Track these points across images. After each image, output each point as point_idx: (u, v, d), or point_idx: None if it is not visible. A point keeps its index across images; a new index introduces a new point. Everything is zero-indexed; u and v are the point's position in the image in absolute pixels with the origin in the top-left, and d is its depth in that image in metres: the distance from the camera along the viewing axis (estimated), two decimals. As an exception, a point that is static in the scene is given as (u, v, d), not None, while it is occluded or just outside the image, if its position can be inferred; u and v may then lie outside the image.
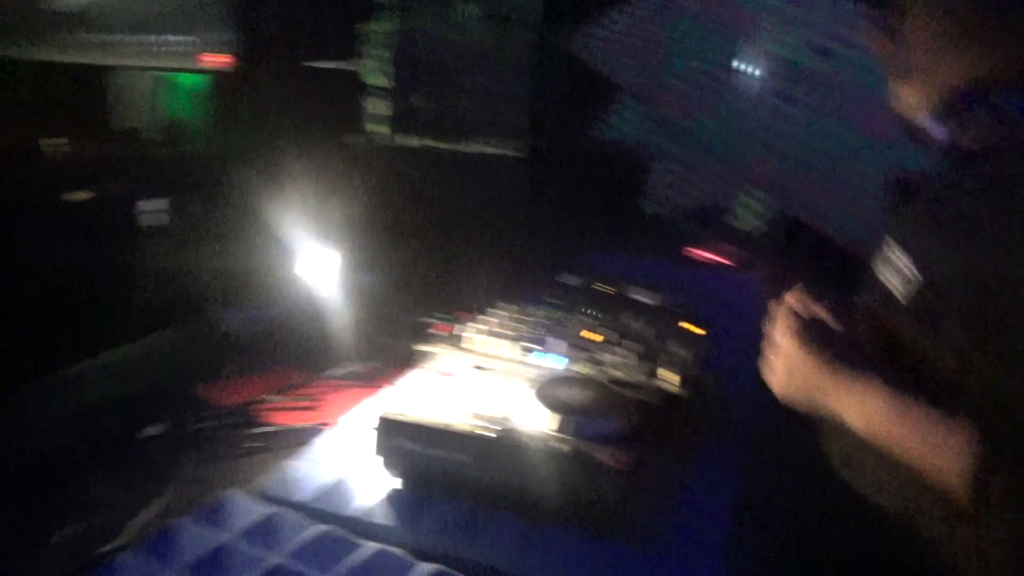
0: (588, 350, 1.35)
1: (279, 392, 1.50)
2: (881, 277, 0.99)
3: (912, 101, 0.94)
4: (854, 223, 3.70)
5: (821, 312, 1.02)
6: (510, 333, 1.39)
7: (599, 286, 1.80)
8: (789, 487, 1.32)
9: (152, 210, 2.10)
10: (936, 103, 0.90)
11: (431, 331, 1.51)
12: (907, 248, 0.96)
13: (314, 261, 1.84)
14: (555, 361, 1.29)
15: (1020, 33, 0.84)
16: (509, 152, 5.58)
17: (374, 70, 5.73)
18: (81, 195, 2.13)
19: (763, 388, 1.11)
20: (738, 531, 1.10)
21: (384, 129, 5.87)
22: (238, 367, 1.61)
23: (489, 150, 5.81)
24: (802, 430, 1.10)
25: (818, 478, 1.22)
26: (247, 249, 2.20)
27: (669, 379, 1.22)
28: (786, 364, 0.97)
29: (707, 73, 3.99)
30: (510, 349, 1.31)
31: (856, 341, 0.97)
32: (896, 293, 0.95)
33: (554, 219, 3.63)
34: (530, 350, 1.32)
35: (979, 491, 0.80)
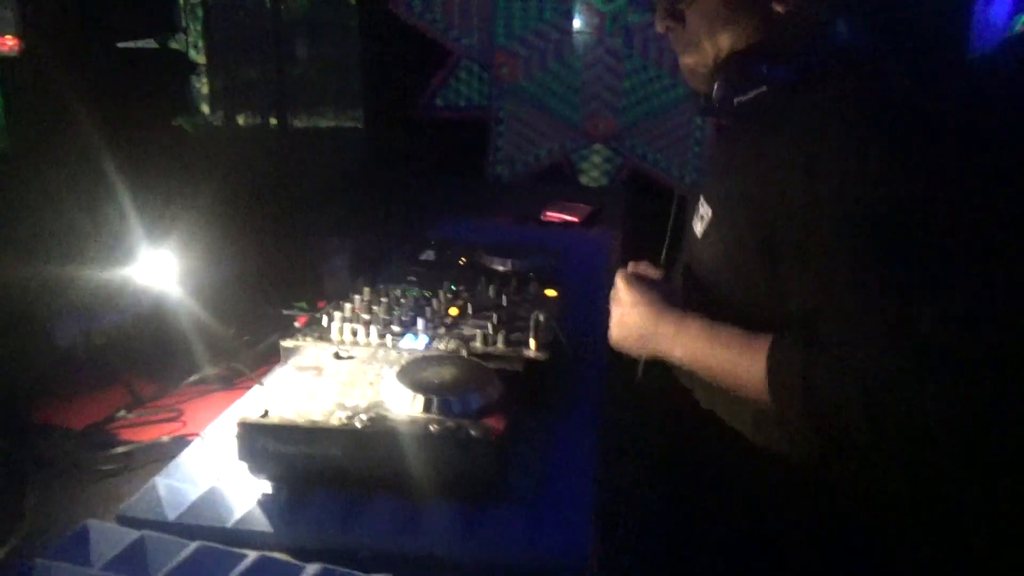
0: (447, 326, 1.38)
1: (134, 407, 1.43)
2: (693, 222, 1.23)
3: (691, 69, 1.19)
4: (679, 171, 3.93)
5: (642, 270, 1.30)
6: (369, 318, 1.40)
7: (454, 259, 1.83)
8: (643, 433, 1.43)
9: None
10: (708, 70, 1.15)
11: (292, 324, 1.49)
12: (703, 190, 1.23)
13: (154, 258, 1.74)
14: (416, 341, 1.31)
15: (762, 16, 1.09)
16: (346, 124, 5.45)
17: (194, 46, 5.39)
18: None
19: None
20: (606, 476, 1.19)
21: (212, 107, 5.55)
22: (79, 383, 1.51)
23: (325, 123, 5.64)
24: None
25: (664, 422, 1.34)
26: (75, 250, 2.05)
27: (527, 345, 1.27)
28: (618, 318, 1.22)
29: (538, 34, 4.06)
30: (372, 334, 1.32)
31: (671, 290, 1.23)
32: (700, 233, 1.20)
33: (400, 189, 3.61)
34: (391, 333, 1.33)
35: (791, 389, 0.95)
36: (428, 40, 4.09)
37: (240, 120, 5.48)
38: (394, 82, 4.26)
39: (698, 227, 1.20)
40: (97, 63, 4.72)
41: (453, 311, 1.45)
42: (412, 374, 1.10)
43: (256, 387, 1.22)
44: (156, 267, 1.67)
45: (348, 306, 1.45)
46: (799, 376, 0.94)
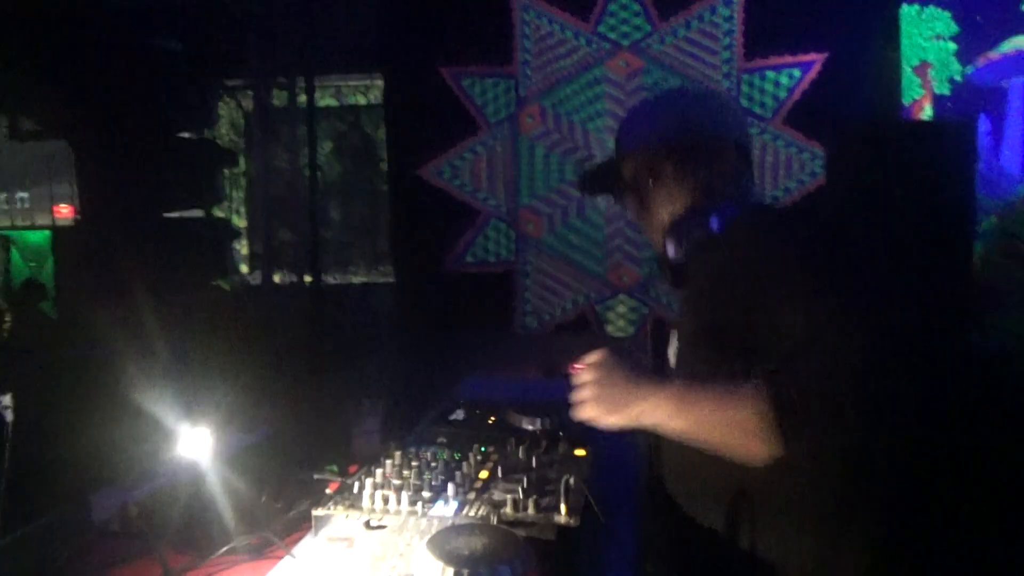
0: (478, 490, 1.38)
1: (165, 579, 1.42)
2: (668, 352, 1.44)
3: (649, 236, 1.49)
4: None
5: (612, 356, 1.35)
6: (400, 483, 1.41)
7: (484, 418, 1.85)
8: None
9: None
10: (655, 229, 1.43)
11: (323, 490, 1.50)
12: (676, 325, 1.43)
13: (190, 428, 1.78)
14: (447, 507, 1.31)
15: (687, 187, 1.38)
16: (378, 280, 5.63)
17: (234, 211, 5.70)
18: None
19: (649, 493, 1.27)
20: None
21: (250, 267, 5.78)
22: (114, 556, 1.52)
23: (357, 279, 5.84)
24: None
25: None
26: (111, 422, 2.10)
27: (558, 510, 1.27)
28: (594, 389, 1.27)
29: (560, 193, 4.27)
30: (402, 501, 1.32)
31: (642, 366, 1.34)
32: (672, 362, 1.41)
33: (428, 344, 3.68)
34: (422, 499, 1.34)
35: (766, 429, 1.07)
36: (455, 200, 4.31)
37: (276, 278, 5.70)
38: (422, 239, 4.45)
39: (672, 357, 1.40)
40: (145, 231, 5.01)
41: (483, 474, 1.45)
42: (442, 545, 1.09)
43: (287, 559, 1.22)
44: (191, 436, 1.71)
45: (379, 471, 1.46)
46: (790, 381, 1.06)
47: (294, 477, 1.77)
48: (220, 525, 1.56)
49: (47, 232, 6.34)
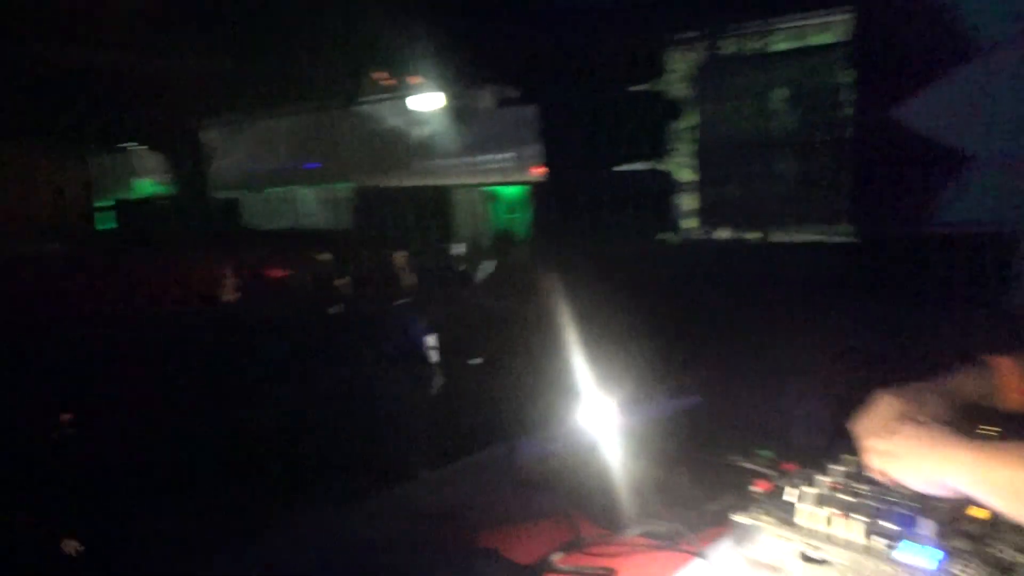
0: (971, 535, 0.97)
1: (567, 548, 1.33)
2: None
3: None
4: None
5: (899, 403, 1.14)
6: (851, 501, 1.06)
7: (981, 428, 1.36)
8: None
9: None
10: None
11: (748, 486, 1.23)
12: None
13: (613, 384, 1.66)
14: (921, 553, 0.94)
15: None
16: (832, 239, 5.04)
17: (681, 166, 5.64)
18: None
19: None
20: None
21: (697, 222, 5.69)
22: (524, 508, 1.48)
23: (808, 238, 5.31)
24: None
25: None
26: (549, 369, 2.11)
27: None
28: (889, 453, 1.07)
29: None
30: (853, 529, 0.99)
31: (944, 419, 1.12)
32: None
33: (892, 316, 3.10)
34: (882, 532, 0.98)
35: None
36: (935, 147, 3.55)
37: (720, 234, 5.51)
38: (890, 194, 3.80)
39: None
40: (598, 185, 5.25)
41: (978, 512, 1.03)
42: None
43: (698, 560, 1.00)
44: (612, 396, 1.59)
45: (824, 480, 1.13)
46: None
47: (717, 459, 1.53)
48: (637, 501, 1.41)
49: (523, 187, 7.13)
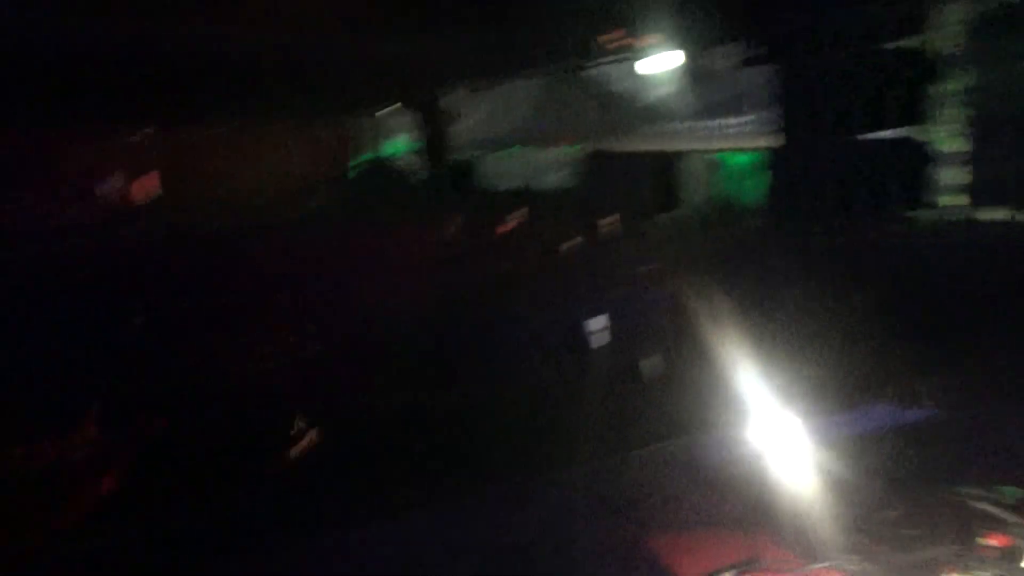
0: None
1: (740, 568, 1.16)
2: None
3: None
4: None
5: None
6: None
7: None
8: None
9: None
10: None
11: (977, 538, 0.98)
12: None
13: (831, 386, 1.45)
14: None
15: None
16: None
17: (946, 135, 4.91)
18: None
19: None
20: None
21: (964, 199, 4.96)
22: (700, 512, 1.33)
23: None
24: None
25: None
26: (758, 361, 1.90)
27: None
28: None
29: None
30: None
31: None
32: None
33: None
34: None
35: None
36: None
37: (990, 215, 4.74)
38: None
39: None
40: (843, 154, 4.74)
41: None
42: None
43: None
44: (813, 401, 1.37)
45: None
46: None
47: (944, 492, 1.26)
48: (833, 528, 1.21)
49: (758, 154, 6.63)
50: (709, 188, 6.71)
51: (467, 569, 1.17)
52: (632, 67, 6.93)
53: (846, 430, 1.35)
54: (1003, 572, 0.81)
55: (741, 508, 1.30)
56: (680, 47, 6.18)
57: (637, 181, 6.77)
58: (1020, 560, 0.82)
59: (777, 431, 1.35)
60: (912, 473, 1.26)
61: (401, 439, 2.70)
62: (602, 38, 6.77)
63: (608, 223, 5.65)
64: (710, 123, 6.70)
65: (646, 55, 6.43)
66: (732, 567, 1.18)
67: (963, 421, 1.54)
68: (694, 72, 6.14)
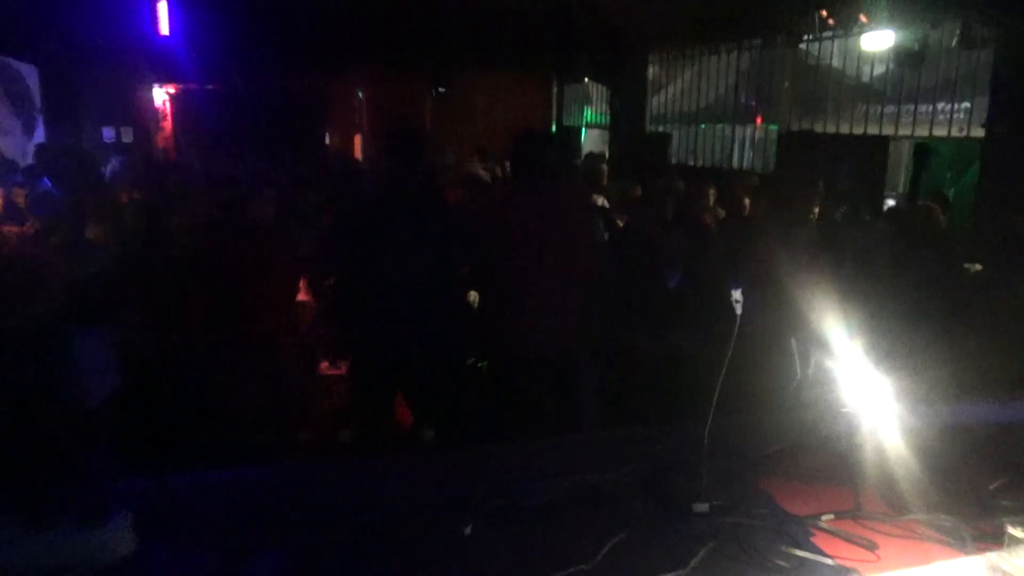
0: None
1: (842, 514, 1.34)
2: None
3: None
4: None
5: None
6: None
7: None
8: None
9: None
10: None
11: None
12: None
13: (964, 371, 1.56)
14: None
15: None
16: None
17: None
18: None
19: None
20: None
21: None
22: (817, 467, 1.49)
23: None
24: None
25: None
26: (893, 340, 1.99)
27: None
28: None
29: None
30: None
31: None
32: None
33: None
34: None
35: None
36: None
37: None
38: None
39: None
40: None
41: None
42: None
43: (962, 560, 0.98)
44: (937, 381, 1.49)
45: None
46: None
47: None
48: (929, 491, 1.34)
49: (972, 144, 6.07)
50: (916, 175, 6.30)
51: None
52: (847, 45, 6.63)
53: (968, 412, 1.44)
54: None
55: (850, 467, 1.46)
56: (898, 25, 5.83)
57: (837, 163, 6.47)
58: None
59: (903, 404, 1.47)
60: (1014, 462, 1.34)
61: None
62: (817, 14, 6.53)
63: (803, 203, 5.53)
64: (922, 108, 6.26)
65: (864, 32, 6.13)
66: (833, 511, 1.35)
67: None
68: (912, 53, 5.77)
